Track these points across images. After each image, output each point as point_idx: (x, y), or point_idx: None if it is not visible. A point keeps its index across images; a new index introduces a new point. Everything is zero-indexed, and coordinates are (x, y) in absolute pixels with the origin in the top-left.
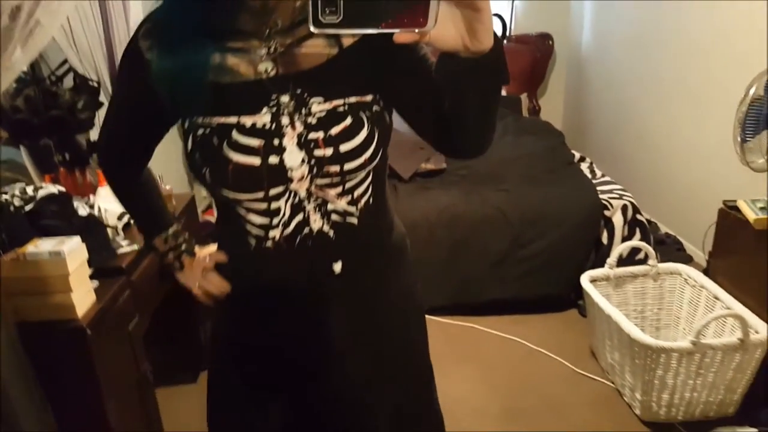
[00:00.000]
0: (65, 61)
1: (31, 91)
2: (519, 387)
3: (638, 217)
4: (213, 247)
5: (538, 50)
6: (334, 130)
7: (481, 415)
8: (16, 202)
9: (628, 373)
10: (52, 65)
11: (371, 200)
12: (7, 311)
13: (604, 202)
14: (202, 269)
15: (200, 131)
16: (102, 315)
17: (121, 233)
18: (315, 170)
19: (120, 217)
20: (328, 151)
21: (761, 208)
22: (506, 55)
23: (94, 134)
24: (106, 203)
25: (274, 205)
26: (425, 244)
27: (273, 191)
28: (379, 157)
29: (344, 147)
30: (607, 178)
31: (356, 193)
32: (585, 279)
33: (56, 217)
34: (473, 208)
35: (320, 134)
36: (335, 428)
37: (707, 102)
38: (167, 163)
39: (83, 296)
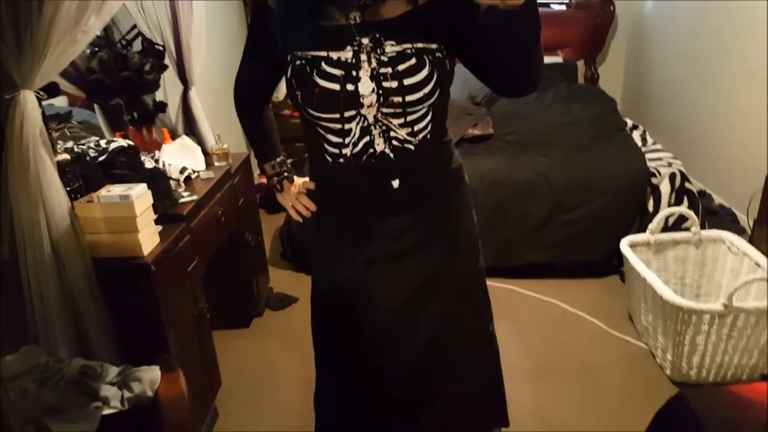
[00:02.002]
0: (134, 27)
1: (105, 54)
2: (553, 347)
3: (687, 185)
4: (305, 178)
5: (599, 16)
6: (401, 67)
7: (514, 371)
8: (91, 153)
9: (661, 335)
10: (122, 30)
11: (429, 135)
12: (84, 247)
13: (652, 169)
14: (297, 193)
15: (298, 62)
16: (164, 255)
17: (183, 185)
18: (382, 99)
19: (182, 171)
20: (394, 84)
21: None
22: (565, 22)
23: (159, 95)
24: (170, 158)
25: (347, 126)
26: None
27: (347, 114)
28: (437, 95)
29: (407, 81)
30: (658, 146)
31: (416, 127)
32: (624, 243)
33: (125, 168)
34: (516, 172)
35: (389, 69)
36: (391, 318)
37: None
38: (226, 125)
39: (149, 238)
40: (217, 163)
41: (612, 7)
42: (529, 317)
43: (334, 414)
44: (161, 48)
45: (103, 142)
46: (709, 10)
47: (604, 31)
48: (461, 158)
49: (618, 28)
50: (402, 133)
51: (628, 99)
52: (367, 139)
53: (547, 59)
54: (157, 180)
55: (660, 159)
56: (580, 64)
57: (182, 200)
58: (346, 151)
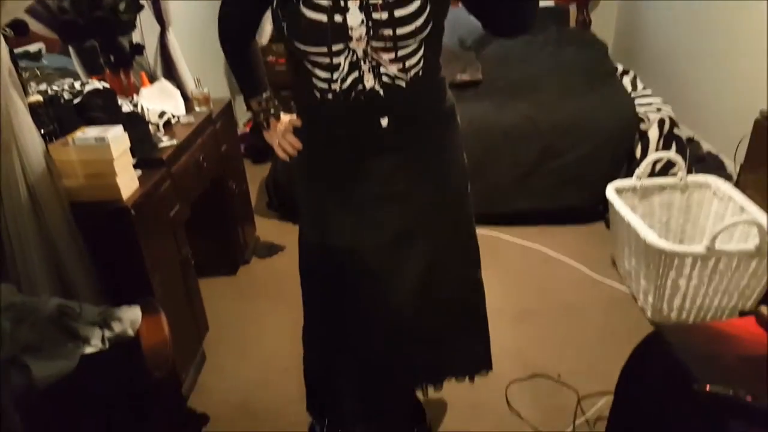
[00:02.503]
0: None
1: None
2: (536, 291)
3: (675, 131)
4: (293, 116)
5: None
6: None
7: (497, 315)
8: (66, 95)
9: (643, 278)
10: None
11: (421, 72)
12: (60, 191)
13: (641, 115)
14: (283, 131)
15: None
16: (145, 200)
17: (162, 130)
18: (372, 32)
19: (161, 116)
20: (384, 15)
21: None
22: None
23: (136, 37)
24: (149, 103)
25: (335, 61)
26: None
27: (335, 47)
28: (429, 28)
29: (398, 12)
30: (648, 92)
31: (407, 63)
32: (610, 188)
33: (101, 111)
34: (504, 118)
35: (379, 0)
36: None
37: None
38: (206, 69)
39: (127, 182)
40: (197, 108)
41: None
42: (512, 263)
43: (322, 355)
44: None
45: (77, 84)
46: None
47: None
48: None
49: None
50: (393, 69)
51: (619, 44)
52: (356, 74)
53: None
54: (135, 124)
55: (649, 104)
56: (572, 8)
57: (162, 145)
58: (335, 86)
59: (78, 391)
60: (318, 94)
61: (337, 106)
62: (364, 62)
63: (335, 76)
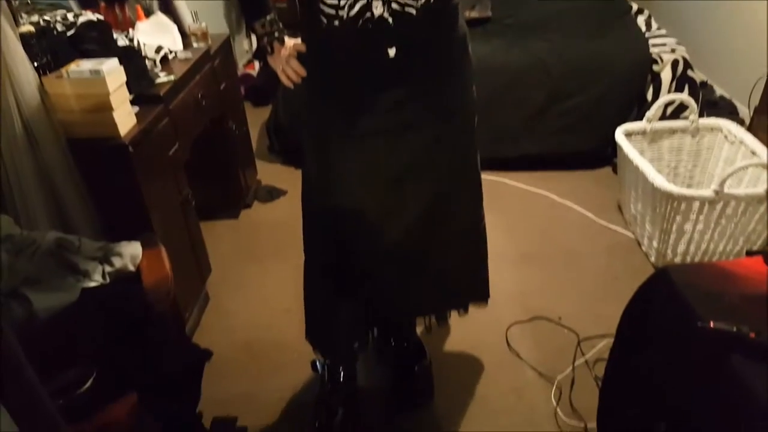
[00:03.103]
0: None
1: None
2: (539, 235)
3: (689, 73)
4: (297, 40)
5: None
6: None
7: (500, 258)
8: (59, 27)
9: (649, 223)
10: None
11: (431, 0)
12: (56, 125)
13: (654, 56)
14: (287, 56)
15: None
16: (143, 137)
17: (159, 65)
18: None
19: (157, 51)
20: None
21: None
22: None
23: None
24: (145, 37)
25: None
26: None
27: None
28: None
29: None
30: (662, 32)
31: None
32: (620, 132)
33: (96, 43)
34: (513, 58)
35: None
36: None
37: None
38: (202, 5)
39: (124, 117)
40: (195, 44)
41: None
42: (517, 208)
43: (322, 290)
44: None
45: (70, 16)
46: None
47: None
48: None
49: None
50: None
51: None
52: (364, 1)
53: None
54: (131, 59)
55: (663, 45)
56: None
57: (159, 81)
58: (342, 13)
59: (79, 323)
60: (324, 20)
61: (344, 34)
62: None
63: (342, 2)
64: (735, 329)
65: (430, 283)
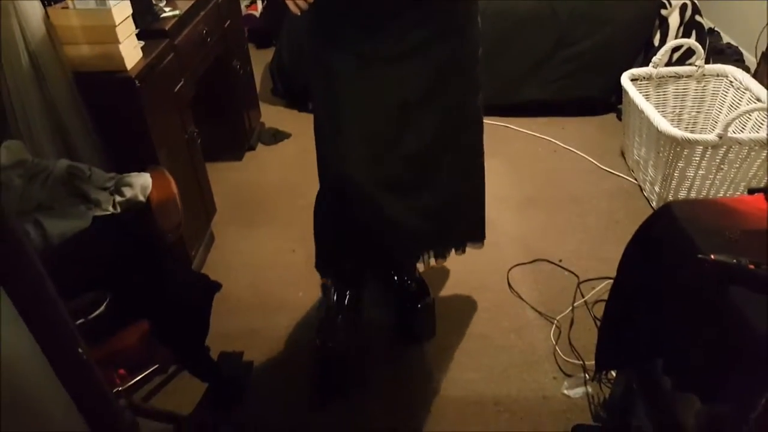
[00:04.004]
0: None
1: None
2: (543, 180)
3: (697, 18)
4: None
5: None
6: None
7: (504, 201)
8: None
9: (651, 168)
10: None
11: None
12: (62, 57)
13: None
14: None
15: None
16: (149, 71)
17: (163, 0)
18: None
19: None
20: None
21: None
22: None
23: None
24: None
25: None
26: None
27: None
28: None
29: None
30: None
31: None
32: (625, 77)
33: None
34: (520, 2)
35: None
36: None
37: None
38: None
39: (130, 51)
40: None
41: None
42: (521, 153)
43: (331, 216)
44: None
45: None
46: None
47: None
48: None
49: None
50: None
51: None
52: None
53: None
54: None
55: None
56: None
57: (164, 15)
58: None
59: (92, 248)
60: None
61: None
62: None
63: None
64: (735, 261)
65: (428, 217)
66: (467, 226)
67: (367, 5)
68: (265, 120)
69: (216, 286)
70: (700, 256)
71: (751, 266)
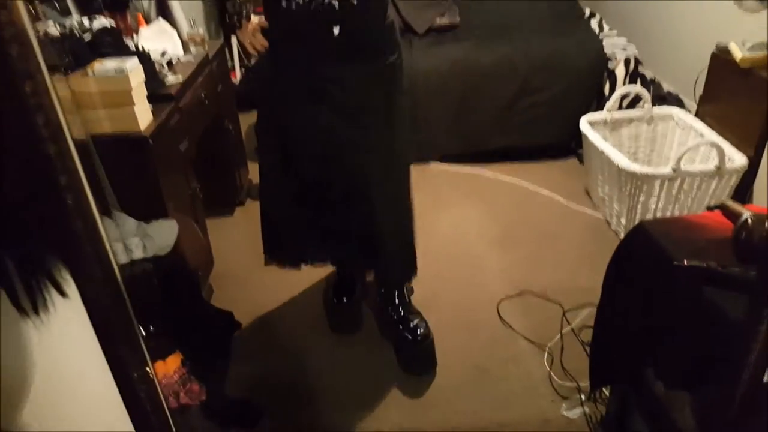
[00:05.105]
0: None
1: None
2: (516, 220)
3: (640, 69)
4: (261, 17)
5: None
6: None
7: (482, 239)
8: (76, 32)
9: (616, 202)
10: None
11: None
12: (80, 122)
13: (608, 54)
14: (252, 30)
15: None
16: (159, 131)
17: (166, 67)
18: None
19: (162, 54)
20: None
21: (749, 48)
22: None
23: None
24: (149, 43)
25: None
26: (437, 95)
27: None
28: None
29: None
30: (613, 33)
31: None
32: (584, 121)
33: (111, 47)
34: (483, 58)
35: None
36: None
37: None
38: (198, 15)
39: (143, 113)
40: (193, 49)
41: None
42: (494, 196)
43: (263, 214)
44: None
45: (86, 21)
46: None
47: None
48: (428, 47)
49: None
50: None
51: None
52: None
53: None
54: (142, 61)
55: (616, 44)
56: None
57: (168, 81)
58: None
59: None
60: (283, 3)
61: (300, 15)
62: None
63: None
64: (705, 265)
65: (361, 237)
66: (399, 261)
67: (310, 52)
68: (252, 177)
69: (237, 325)
70: (675, 262)
71: (720, 268)
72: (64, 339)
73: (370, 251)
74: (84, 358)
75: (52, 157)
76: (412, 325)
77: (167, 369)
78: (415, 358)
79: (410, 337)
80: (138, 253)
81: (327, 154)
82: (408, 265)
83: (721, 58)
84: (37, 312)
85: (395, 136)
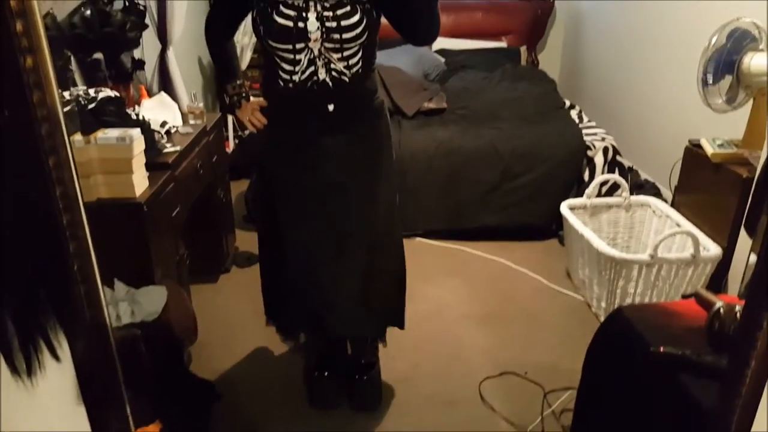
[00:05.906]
0: None
1: (88, 9)
2: (500, 298)
3: (618, 158)
4: (260, 98)
5: (540, 8)
6: (339, 11)
7: (465, 318)
8: (81, 101)
9: (596, 286)
10: None
11: (360, 70)
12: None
13: (587, 143)
14: (252, 109)
15: (261, 4)
16: (153, 198)
17: (165, 137)
18: (324, 35)
19: (162, 125)
20: (333, 24)
21: (719, 145)
22: (510, 11)
23: (137, 53)
24: (150, 113)
25: (297, 57)
26: (424, 174)
27: (297, 46)
28: (366, 36)
29: (344, 22)
30: (592, 123)
31: (351, 62)
32: (564, 206)
33: (114, 116)
34: (468, 142)
35: (330, 13)
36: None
37: (682, 53)
38: (198, 88)
39: (140, 180)
40: (192, 121)
41: (552, 0)
42: (477, 273)
43: (263, 279)
44: (142, 8)
45: (92, 91)
46: (637, 8)
47: (544, 21)
48: (416, 128)
49: (556, 20)
50: (340, 65)
51: (564, 83)
52: (312, 68)
53: (494, 44)
54: (142, 130)
55: (595, 134)
56: (523, 49)
57: (166, 150)
58: (295, 77)
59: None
60: (282, 83)
61: (296, 93)
62: (319, 59)
63: (296, 69)
64: (681, 353)
65: (350, 293)
66: (388, 310)
67: (307, 128)
68: (238, 244)
69: (218, 395)
70: (651, 348)
71: (694, 356)
72: (52, 402)
73: (364, 316)
74: (67, 423)
75: (64, 226)
76: (363, 361)
77: None
78: (357, 396)
79: (360, 376)
80: (126, 319)
81: (325, 220)
82: (400, 315)
83: (694, 152)
84: (29, 374)
85: (390, 201)
